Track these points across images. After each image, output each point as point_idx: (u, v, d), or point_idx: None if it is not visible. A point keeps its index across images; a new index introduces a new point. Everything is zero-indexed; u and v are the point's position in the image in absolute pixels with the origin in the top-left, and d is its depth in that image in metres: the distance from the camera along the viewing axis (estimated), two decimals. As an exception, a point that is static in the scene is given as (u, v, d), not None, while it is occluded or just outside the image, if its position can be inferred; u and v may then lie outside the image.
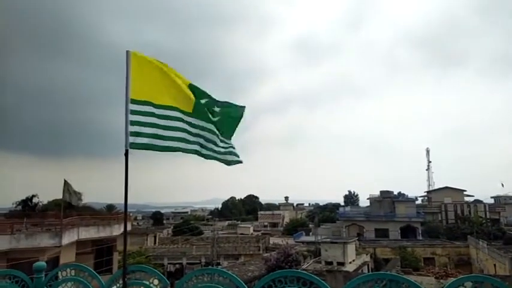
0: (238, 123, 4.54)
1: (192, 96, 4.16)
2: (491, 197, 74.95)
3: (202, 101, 4.23)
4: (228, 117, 4.44)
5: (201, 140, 4.22)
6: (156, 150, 3.95)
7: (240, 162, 4.58)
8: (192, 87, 4.21)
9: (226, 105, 4.44)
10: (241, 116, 4.54)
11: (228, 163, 4.47)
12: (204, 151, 4.24)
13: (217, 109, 4.34)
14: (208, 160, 4.31)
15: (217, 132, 4.33)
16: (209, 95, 4.32)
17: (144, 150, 3.91)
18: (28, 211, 35.25)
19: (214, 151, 4.31)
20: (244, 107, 4.55)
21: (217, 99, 4.39)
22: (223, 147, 4.40)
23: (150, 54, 4.05)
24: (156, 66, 4.03)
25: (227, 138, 4.48)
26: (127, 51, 3.87)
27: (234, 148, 4.55)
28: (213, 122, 4.29)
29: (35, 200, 41.33)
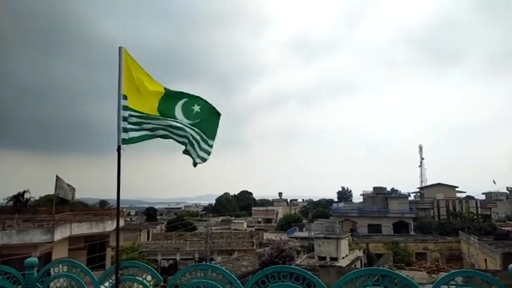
0: (217, 125, 4.40)
1: (157, 100, 4.11)
2: (483, 194, 75.89)
3: (178, 106, 4.16)
4: (210, 116, 4.33)
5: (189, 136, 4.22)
6: (149, 139, 4.00)
7: (203, 161, 4.31)
8: (167, 93, 4.16)
9: (207, 105, 4.33)
10: (218, 119, 4.42)
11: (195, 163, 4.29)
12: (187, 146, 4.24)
13: (197, 107, 4.25)
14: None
15: (196, 133, 4.23)
16: (187, 95, 4.24)
17: (136, 146, 3.94)
18: (19, 207, 35.02)
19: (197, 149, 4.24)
20: (220, 114, 4.41)
21: (198, 95, 4.29)
22: (203, 147, 4.27)
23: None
24: (137, 69, 4.05)
25: (210, 139, 4.32)
26: (120, 47, 3.91)
27: (209, 151, 4.34)
28: (192, 124, 4.21)
29: (26, 195, 41.09)
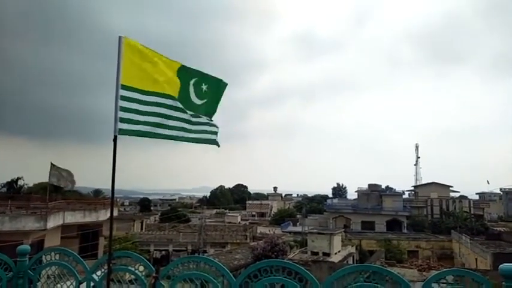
0: (220, 99, 4.72)
1: (178, 81, 4.24)
2: (477, 194, 76.33)
3: (191, 82, 4.35)
4: (215, 94, 4.62)
5: (184, 124, 4.31)
6: (145, 137, 3.95)
7: (216, 144, 4.72)
8: (183, 69, 4.28)
9: (213, 80, 4.58)
10: (223, 92, 4.73)
11: (205, 142, 4.59)
12: (187, 135, 4.35)
13: (204, 87, 4.46)
14: (193, 144, 4.49)
15: (199, 116, 4.48)
16: (199, 73, 4.44)
17: (133, 137, 3.91)
18: (13, 193, 34.91)
19: (197, 131, 4.47)
20: (226, 84, 4.71)
21: (206, 73, 4.52)
22: (206, 127, 4.58)
23: (145, 40, 4.03)
24: (146, 53, 4.03)
25: (210, 116, 4.64)
26: (119, 37, 3.86)
27: (216, 127, 4.69)
28: (197, 106, 4.43)
29: (20, 182, 40.98)
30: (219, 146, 4.72)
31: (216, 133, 4.68)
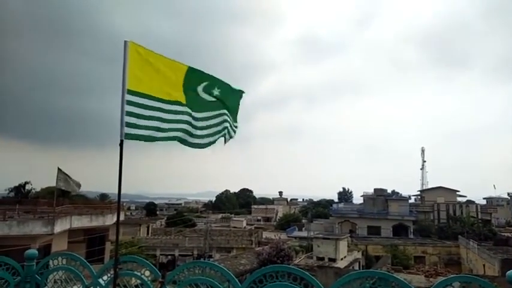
0: (238, 106, 4.79)
1: (184, 86, 4.22)
2: (484, 198, 75.61)
3: (200, 88, 4.33)
4: (229, 99, 4.63)
5: (191, 128, 4.29)
6: (151, 141, 3.95)
7: (231, 137, 4.77)
8: (191, 72, 4.27)
9: (227, 86, 4.60)
10: (240, 99, 4.80)
11: (212, 143, 4.59)
12: (192, 139, 4.33)
13: (217, 91, 4.46)
14: (198, 150, 4.45)
15: (215, 113, 4.50)
16: (209, 77, 4.43)
17: (139, 141, 3.91)
18: (20, 198, 35.13)
19: (209, 135, 4.47)
20: (243, 91, 4.78)
21: (219, 78, 4.52)
22: (227, 127, 4.64)
23: (150, 43, 4.03)
24: (153, 57, 4.01)
25: (233, 117, 4.71)
26: (125, 41, 3.83)
27: (236, 127, 4.79)
28: (209, 103, 4.43)
29: (27, 187, 41.24)
30: (232, 137, 4.78)
31: (225, 129, 4.67)
